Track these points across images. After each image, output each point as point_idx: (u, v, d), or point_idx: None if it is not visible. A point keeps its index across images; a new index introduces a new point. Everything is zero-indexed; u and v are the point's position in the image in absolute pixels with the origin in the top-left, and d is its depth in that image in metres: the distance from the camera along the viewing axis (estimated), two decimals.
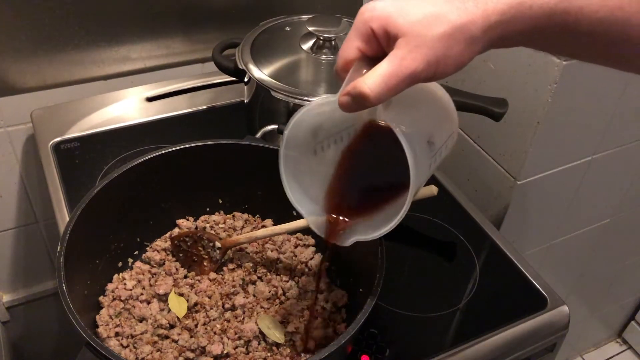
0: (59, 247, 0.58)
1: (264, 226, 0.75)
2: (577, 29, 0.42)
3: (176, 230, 0.74)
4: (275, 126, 0.79)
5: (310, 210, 0.57)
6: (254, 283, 0.69)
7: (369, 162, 0.57)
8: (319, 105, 0.50)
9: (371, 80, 0.42)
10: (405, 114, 0.49)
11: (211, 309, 0.65)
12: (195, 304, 0.66)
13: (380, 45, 0.44)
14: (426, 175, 0.53)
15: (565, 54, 0.49)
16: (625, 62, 0.45)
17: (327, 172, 0.57)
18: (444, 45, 0.41)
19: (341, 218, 0.56)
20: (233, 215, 0.76)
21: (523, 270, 0.77)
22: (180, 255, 0.71)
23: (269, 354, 0.62)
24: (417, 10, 0.42)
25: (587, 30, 0.42)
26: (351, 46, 0.45)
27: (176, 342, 0.61)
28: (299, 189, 0.56)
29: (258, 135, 0.78)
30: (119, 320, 0.63)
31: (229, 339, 0.62)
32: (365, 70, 0.44)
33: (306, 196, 0.57)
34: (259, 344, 0.63)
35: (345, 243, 0.55)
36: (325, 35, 0.81)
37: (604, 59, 0.45)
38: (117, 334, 0.62)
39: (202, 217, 0.76)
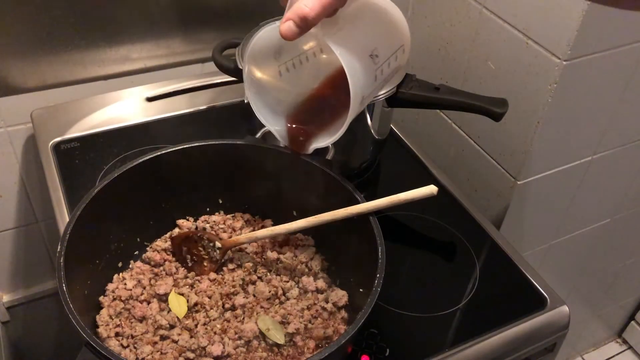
0: (59, 247, 0.58)
1: (264, 226, 0.75)
2: None
3: (176, 230, 0.74)
4: None
5: (273, 123, 0.67)
6: (254, 283, 0.69)
7: (335, 90, 0.64)
8: (273, 29, 0.56)
9: (310, 2, 0.50)
10: (345, 31, 0.56)
11: (211, 309, 0.65)
12: (195, 304, 0.66)
13: None
14: (373, 84, 0.60)
15: None
16: None
17: (292, 91, 0.67)
18: None
19: (301, 129, 0.66)
20: (233, 216, 0.77)
21: (523, 270, 0.77)
22: (180, 255, 0.71)
23: (269, 354, 0.62)
24: None
25: None
26: None
27: (176, 342, 0.61)
28: (264, 106, 0.66)
29: (258, 135, 0.78)
30: (119, 320, 0.63)
31: (229, 339, 0.62)
32: None
33: (270, 111, 0.67)
34: (259, 344, 0.63)
35: (307, 151, 0.66)
36: None
37: None
38: (117, 334, 0.62)
39: (202, 217, 0.76)
